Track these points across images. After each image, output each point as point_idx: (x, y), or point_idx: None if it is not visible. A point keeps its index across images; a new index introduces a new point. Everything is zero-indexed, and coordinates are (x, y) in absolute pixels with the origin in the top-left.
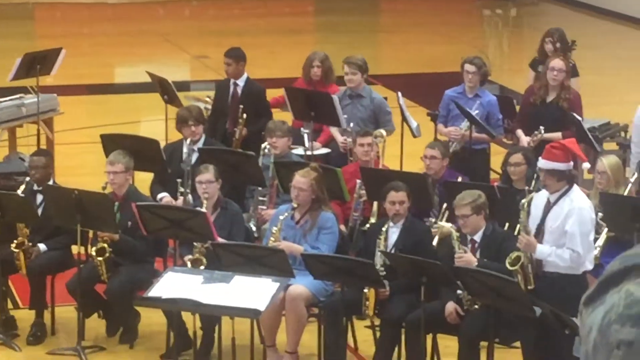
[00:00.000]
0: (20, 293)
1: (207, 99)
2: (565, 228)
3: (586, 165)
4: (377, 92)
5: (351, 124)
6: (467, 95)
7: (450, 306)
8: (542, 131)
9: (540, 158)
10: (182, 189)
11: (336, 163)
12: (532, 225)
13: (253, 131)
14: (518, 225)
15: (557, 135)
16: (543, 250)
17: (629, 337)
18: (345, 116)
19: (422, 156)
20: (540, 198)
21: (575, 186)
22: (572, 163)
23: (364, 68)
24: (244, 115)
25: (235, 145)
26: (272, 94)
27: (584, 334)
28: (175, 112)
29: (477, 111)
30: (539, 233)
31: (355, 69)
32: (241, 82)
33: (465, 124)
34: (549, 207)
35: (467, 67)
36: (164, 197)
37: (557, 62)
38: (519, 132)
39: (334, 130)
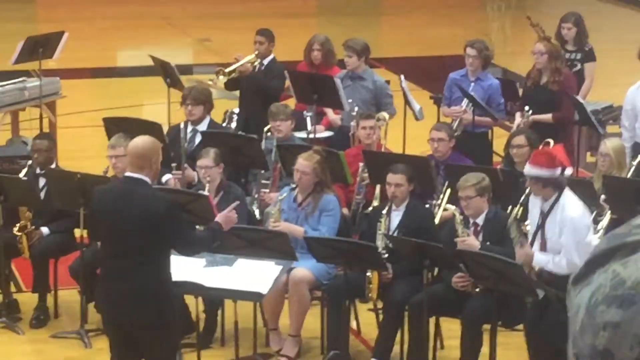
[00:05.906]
0: (23, 276)
1: (210, 82)
2: (561, 240)
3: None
4: (379, 75)
5: (355, 108)
6: (470, 79)
7: (456, 277)
8: (529, 112)
9: (527, 163)
10: (178, 172)
11: (338, 146)
12: (531, 226)
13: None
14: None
15: (547, 116)
16: (541, 259)
17: (615, 319)
18: (350, 100)
19: (429, 139)
20: (536, 199)
21: (565, 192)
22: (558, 170)
23: (360, 51)
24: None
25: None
26: None
27: (572, 314)
28: (178, 95)
29: (476, 94)
30: (539, 235)
31: (350, 52)
32: (266, 61)
33: (465, 102)
34: (544, 215)
35: (468, 50)
36: (169, 179)
37: (536, 46)
38: (517, 114)
39: (330, 113)
